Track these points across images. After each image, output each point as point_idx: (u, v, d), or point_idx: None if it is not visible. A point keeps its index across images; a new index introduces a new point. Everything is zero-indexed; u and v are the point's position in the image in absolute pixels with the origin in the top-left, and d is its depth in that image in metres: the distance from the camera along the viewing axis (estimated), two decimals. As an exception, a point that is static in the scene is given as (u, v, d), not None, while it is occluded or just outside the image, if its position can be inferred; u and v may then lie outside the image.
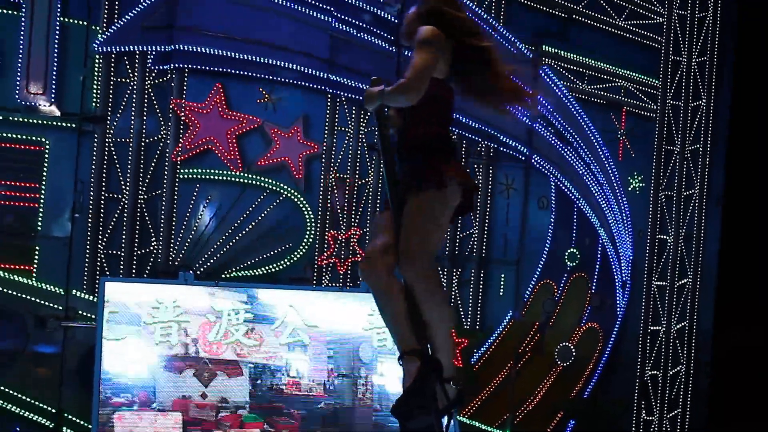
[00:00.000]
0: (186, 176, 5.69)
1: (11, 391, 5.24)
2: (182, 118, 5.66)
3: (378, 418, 5.33)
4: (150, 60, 5.57)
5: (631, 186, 7.42)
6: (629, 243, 7.36)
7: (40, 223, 5.38)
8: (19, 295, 5.32)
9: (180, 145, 5.65)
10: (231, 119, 5.78)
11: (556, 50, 6.97)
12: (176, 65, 5.62)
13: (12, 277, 5.31)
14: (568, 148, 7.00)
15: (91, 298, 5.38)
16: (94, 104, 5.50)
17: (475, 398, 6.59)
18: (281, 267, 5.91)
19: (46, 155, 5.40)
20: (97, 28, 5.45)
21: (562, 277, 7.09)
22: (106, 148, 5.52)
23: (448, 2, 3.23)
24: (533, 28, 6.90)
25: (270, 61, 5.79)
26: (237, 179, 5.82)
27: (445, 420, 3.05)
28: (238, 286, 5.38)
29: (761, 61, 7.46)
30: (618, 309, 7.32)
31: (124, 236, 5.55)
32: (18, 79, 5.29)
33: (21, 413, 5.25)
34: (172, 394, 4.97)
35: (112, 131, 5.53)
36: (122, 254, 5.55)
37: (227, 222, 5.80)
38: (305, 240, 6.00)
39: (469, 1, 6.49)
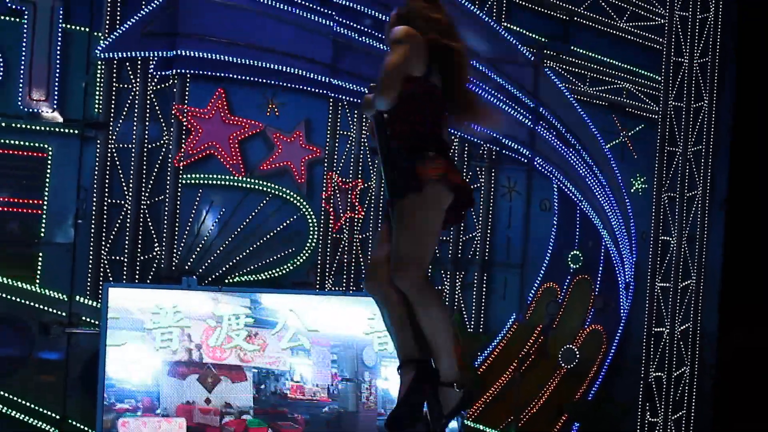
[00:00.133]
0: (188, 181, 5.70)
1: (15, 398, 5.24)
2: (184, 123, 5.66)
3: (382, 422, 5.33)
4: (152, 66, 5.58)
5: (634, 187, 7.42)
6: (632, 245, 7.36)
7: (43, 230, 5.38)
8: (22, 301, 5.32)
9: (182, 150, 5.66)
10: (233, 124, 5.79)
11: (557, 53, 6.97)
12: (178, 71, 5.63)
13: (15, 284, 5.31)
14: (571, 150, 7.00)
15: (94, 304, 5.39)
16: (96, 110, 5.51)
17: (479, 401, 6.58)
18: (284, 271, 5.92)
19: (49, 162, 5.40)
20: (99, 34, 5.46)
21: (565, 279, 7.08)
22: (109, 154, 5.53)
23: (427, 4, 3.20)
24: (535, 31, 6.90)
25: (272, 66, 5.79)
26: (239, 184, 5.82)
27: (454, 423, 3.05)
28: (242, 291, 5.39)
29: (763, 62, 7.46)
30: (621, 311, 7.32)
31: (127, 242, 5.55)
32: (20, 85, 5.30)
33: (25, 419, 5.25)
34: (176, 400, 4.98)
35: (114, 137, 5.54)
36: (125, 260, 5.55)
37: (230, 227, 5.80)
38: (308, 244, 6.00)
39: (470, 3, 6.50)
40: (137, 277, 5.57)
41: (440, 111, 3.17)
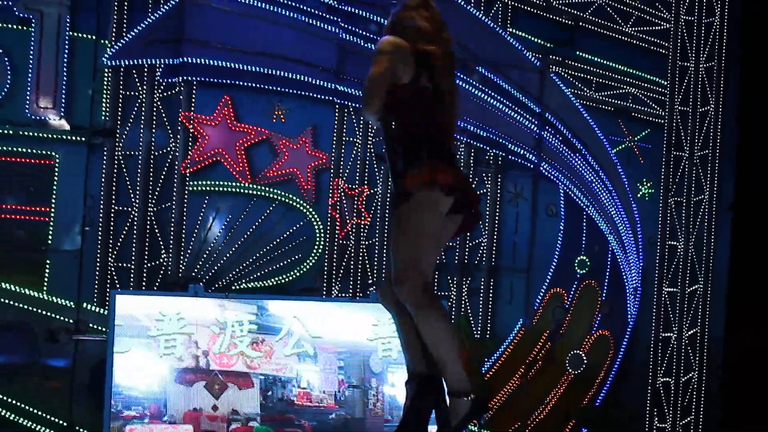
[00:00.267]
0: (195, 188, 5.71)
1: (22, 405, 5.26)
2: (191, 130, 5.68)
3: (389, 429, 5.32)
4: (158, 73, 5.60)
5: (641, 192, 7.40)
6: (639, 250, 7.33)
7: (50, 237, 5.40)
8: (29, 308, 5.34)
9: (189, 157, 5.67)
10: (239, 131, 5.80)
11: (563, 57, 6.96)
12: (185, 78, 5.65)
13: (23, 291, 5.33)
14: (577, 155, 6.99)
15: (101, 311, 5.40)
16: (103, 118, 5.53)
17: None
18: (291, 278, 5.92)
19: (56, 169, 5.42)
20: (106, 42, 5.49)
21: (572, 284, 7.07)
22: (116, 161, 5.54)
23: (413, 10, 3.20)
24: (540, 36, 6.90)
25: (278, 73, 5.81)
26: (246, 191, 5.83)
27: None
28: (248, 298, 5.39)
29: (769, 66, 7.45)
30: (629, 316, 7.29)
31: (134, 249, 5.56)
32: (28, 93, 5.33)
33: (31, 426, 5.26)
34: (183, 407, 4.98)
35: (121, 144, 5.55)
36: (132, 267, 5.56)
37: (236, 233, 5.81)
38: (314, 251, 6.00)
39: (475, 9, 6.50)
40: (144, 284, 5.57)
41: (432, 112, 3.14)
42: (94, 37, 5.47)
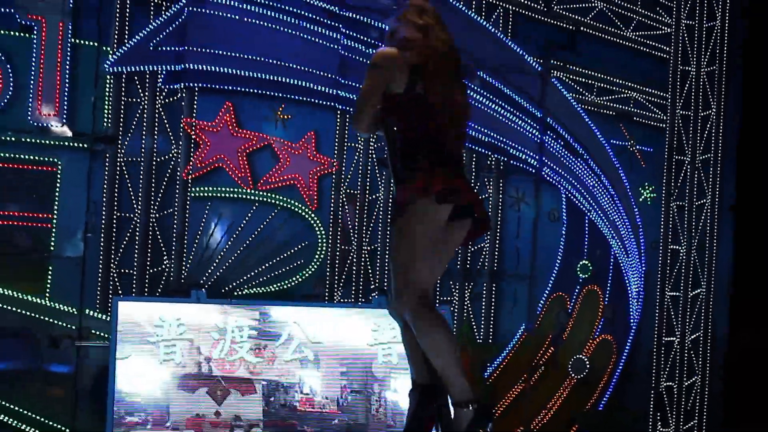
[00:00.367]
0: (197, 194, 5.72)
1: (24, 411, 5.26)
2: (193, 136, 5.69)
3: (392, 434, 5.32)
4: (160, 79, 5.61)
5: (643, 197, 7.40)
6: (641, 254, 7.33)
7: (52, 243, 5.41)
8: (32, 314, 5.34)
9: (191, 163, 5.68)
10: (241, 137, 5.81)
11: (564, 62, 6.97)
12: (186, 84, 5.66)
13: (25, 297, 5.34)
14: (579, 160, 6.99)
15: (104, 317, 5.40)
16: (105, 124, 5.54)
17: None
18: (293, 284, 5.92)
19: (59, 176, 5.43)
20: (108, 48, 5.50)
21: (574, 289, 7.06)
22: (118, 168, 5.55)
23: (410, 18, 3.21)
24: (541, 41, 6.90)
25: (280, 79, 5.81)
26: (248, 197, 5.84)
27: None
28: (251, 303, 5.39)
29: (770, 70, 7.45)
30: (631, 320, 7.29)
31: (136, 255, 5.57)
32: (30, 100, 5.34)
33: (35, 433, 5.27)
34: (186, 413, 4.98)
35: (123, 151, 5.56)
36: (135, 273, 5.56)
37: (239, 239, 5.81)
38: (316, 256, 6.00)
39: (477, 15, 6.51)
40: (146, 290, 5.58)
41: (429, 117, 3.13)
42: (96, 44, 5.49)
